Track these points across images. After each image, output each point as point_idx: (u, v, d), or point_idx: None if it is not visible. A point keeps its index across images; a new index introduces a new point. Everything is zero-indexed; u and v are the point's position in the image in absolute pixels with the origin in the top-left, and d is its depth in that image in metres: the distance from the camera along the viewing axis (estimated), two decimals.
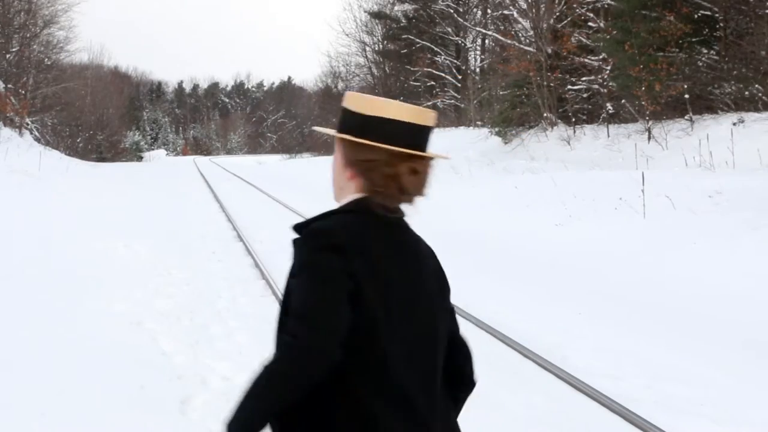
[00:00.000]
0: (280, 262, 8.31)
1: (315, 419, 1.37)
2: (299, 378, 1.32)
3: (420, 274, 1.51)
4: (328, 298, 1.34)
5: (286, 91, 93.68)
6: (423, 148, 1.49)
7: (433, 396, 1.47)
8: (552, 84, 19.42)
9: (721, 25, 14.91)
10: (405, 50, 37.79)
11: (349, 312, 1.35)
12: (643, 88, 14.59)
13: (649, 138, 14.72)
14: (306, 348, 1.32)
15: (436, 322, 1.51)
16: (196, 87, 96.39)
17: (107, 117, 42.62)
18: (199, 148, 79.89)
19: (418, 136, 1.48)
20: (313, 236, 1.42)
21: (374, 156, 1.45)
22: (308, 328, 1.32)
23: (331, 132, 1.56)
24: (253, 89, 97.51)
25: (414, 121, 1.48)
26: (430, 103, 34.60)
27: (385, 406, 1.38)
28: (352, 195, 1.50)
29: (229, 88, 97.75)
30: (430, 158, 1.53)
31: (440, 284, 1.57)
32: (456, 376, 1.65)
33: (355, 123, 1.48)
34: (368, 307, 1.38)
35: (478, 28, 32.88)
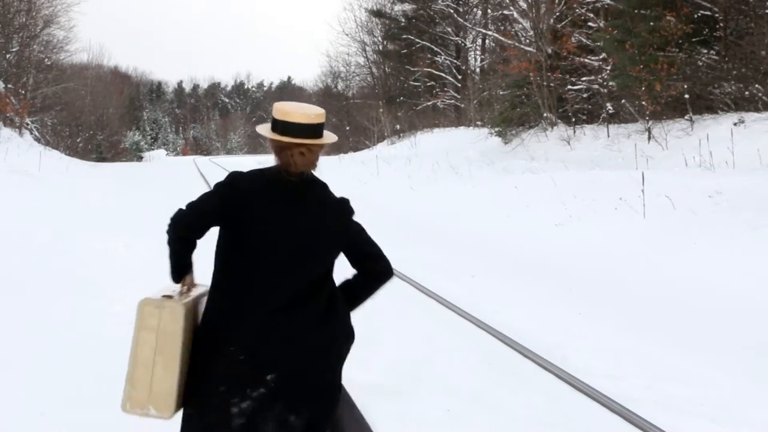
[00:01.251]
0: None
1: (217, 267, 2.33)
2: (182, 222, 2.30)
3: (293, 212, 2.27)
4: (202, 202, 2.29)
5: (286, 91, 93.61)
6: (311, 138, 2.27)
7: (286, 286, 2.24)
8: (552, 84, 19.42)
9: (721, 25, 14.91)
10: (405, 50, 37.81)
11: (214, 211, 2.26)
12: (643, 88, 14.59)
13: (649, 138, 14.72)
14: (175, 216, 2.30)
15: (300, 244, 2.26)
16: (196, 87, 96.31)
17: (107, 117, 42.64)
18: (199, 148, 79.83)
19: (307, 130, 2.27)
20: (227, 175, 2.34)
21: (278, 144, 2.29)
22: (185, 207, 2.31)
23: (263, 131, 2.37)
24: (253, 89, 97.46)
25: (303, 121, 2.27)
26: (429, 103, 34.64)
27: (231, 278, 2.27)
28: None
29: (229, 88, 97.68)
30: (317, 143, 2.30)
31: (321, 225, 2.31)
32: (364, 276, 2.51)
33: (273, 124, 2.31)
34: (235, 218, 2.23)
35: (478, 28, 32.91)
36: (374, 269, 2.47)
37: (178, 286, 2.42)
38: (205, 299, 2.36)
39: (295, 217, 2.27)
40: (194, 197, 2.34)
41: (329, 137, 2.35)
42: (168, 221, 2.33)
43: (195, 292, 2.41)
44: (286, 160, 2.28)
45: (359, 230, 2.45)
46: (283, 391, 2.17)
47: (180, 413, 2.27)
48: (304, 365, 2.20)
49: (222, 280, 2.29)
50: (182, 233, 2.30)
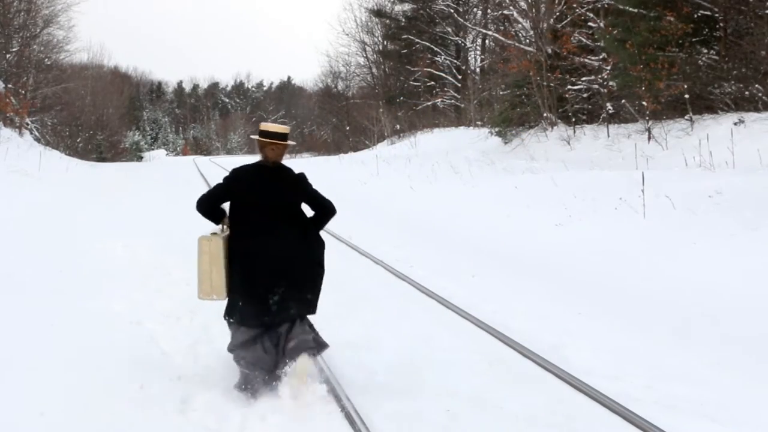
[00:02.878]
0: None
1: (232, 219, 4.18)
2: (203, 203, 4.20)
3: (269, 185, 4.08)
4: (214, 193, 4.21)
5: (286, 91, 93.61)
6: (278, 141, 4.10)
7: (269, 224, 4.06)
8: (552, 84, 19.41)
9: (721, 25, 14.90)
10: (405, 50, 37.78)
11: (223, 195, 4.18)
12: (643, 88, 14.59)
13: (649, 138, 14.72)
14: (201, 197, 4.18)
15: (274, 202, 4.08)
16: (196, 87, 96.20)
17: (107, 117, 42.62)
18: (199, 148, 79.76)
19: (275, 136, 4.11)
20: (231, 171, 4.23)
21: (260, 143, 4.15)
22: (205, 193, 4.23)
23: (254, 137, 4.18)
24: (253, 89, 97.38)
25: (274, 130, 4.12)
26: (429, 103, 34.64)
27: (242, 224, 4.11)
28: (259, 157, 4.20)
29: (229, 88, 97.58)
30: (282, 143, 4.12)
31: (285, 190, 4.14)
32: (317, 215, 4.30)
33: (259, 133, 4.13)
34: (238, 195, 4.12)
35: (478, 28, 32.88)
36: (325, 211, 4.29)
37: (219, 227, 4.27)
38: None
39: (270, 186, 4.13)
40: (196, 195, 3.71)
41: (289, 142, 4.21)
42: (197, 204, 4.20)
43: (228, 230, 4.24)
44: (264, 153, 4.19)
45: (313, 191, 4.27)
46: (291, 285, 4.08)
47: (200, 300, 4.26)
48: (297, 269, 4.12)
49: (238, 227, 4.15)
50: (205, 211, 4.21)
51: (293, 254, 4.08)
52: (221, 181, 4.18)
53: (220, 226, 4.24)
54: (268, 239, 4.02)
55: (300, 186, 4.20)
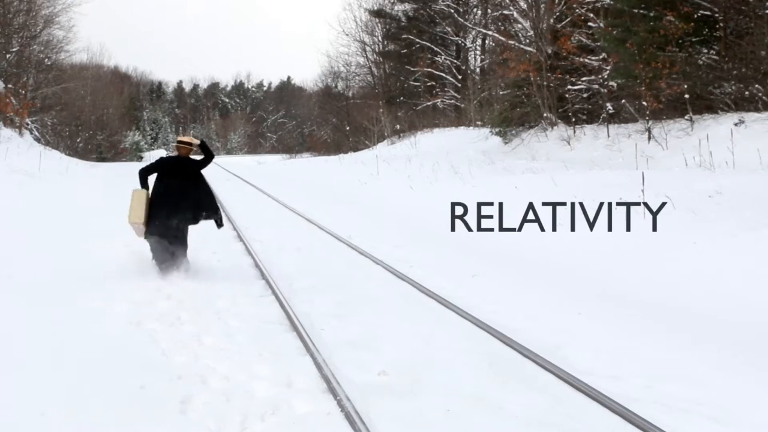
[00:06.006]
0: (280, 261, 8.31)
1: (154, 188, 7.54)
2: (144, 173, 7.59)
3: (177, 168, 7.60)
4: (149, 168, 7.67)
5: (286, 91, 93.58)
6: (184, 145, 7.71)
7: (176, 197, 7.46)
8: (552, 84, 19.41)
9: (721, 25, 14.90)
10: (405, 50, 37.77)
11: (153, 170, 7.63)
12: (643, 87, 14.59)
13: (649, 138, 14.72)
14: (142, 169, 7.64)
15: (180, 181, 7.54)
16: (196, 87, 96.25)
17: (107, 117, 42.70)
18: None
19: (183, 143, 7.74)
20: (157, 159, 7.99)
21: (176, 146, 7.80)
22: (145, 167, 7.72)
23: (173, 144, 8.72)
24: (253, 89, 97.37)
25: (183, 140, 7.76)
26: (429, 103, 34.64)
27: (160, 183, 7.55)
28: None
29: (229, 88, 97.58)
30: (188, 146, 7.73)
31: (187, 171, 7.60)
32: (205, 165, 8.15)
33: (176, 141, 7.85)
34: (161, 169, 7.60)
35: (478, 28, 32.88)
36: (208, 163, 7.83)
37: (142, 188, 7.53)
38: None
39: (180, 168, 7.54)
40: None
41: (192, 147, 7.69)
42: (138, 173, 7.49)
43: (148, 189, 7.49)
44: (178, 152, 7.65)
45: (202, 164, 7.69)
46: (180, 216, 7.37)
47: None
48: (185, 210, 7.42)
49: (156, 189, 7.43)
50: (142, 178, 7.45)
51: (184, 201, 7.35)
52: (153, 162, 7.64)
53: (144, 189, 7.33)
54: (172, 192, 7.31)
55: (196, 165, 7.57)
